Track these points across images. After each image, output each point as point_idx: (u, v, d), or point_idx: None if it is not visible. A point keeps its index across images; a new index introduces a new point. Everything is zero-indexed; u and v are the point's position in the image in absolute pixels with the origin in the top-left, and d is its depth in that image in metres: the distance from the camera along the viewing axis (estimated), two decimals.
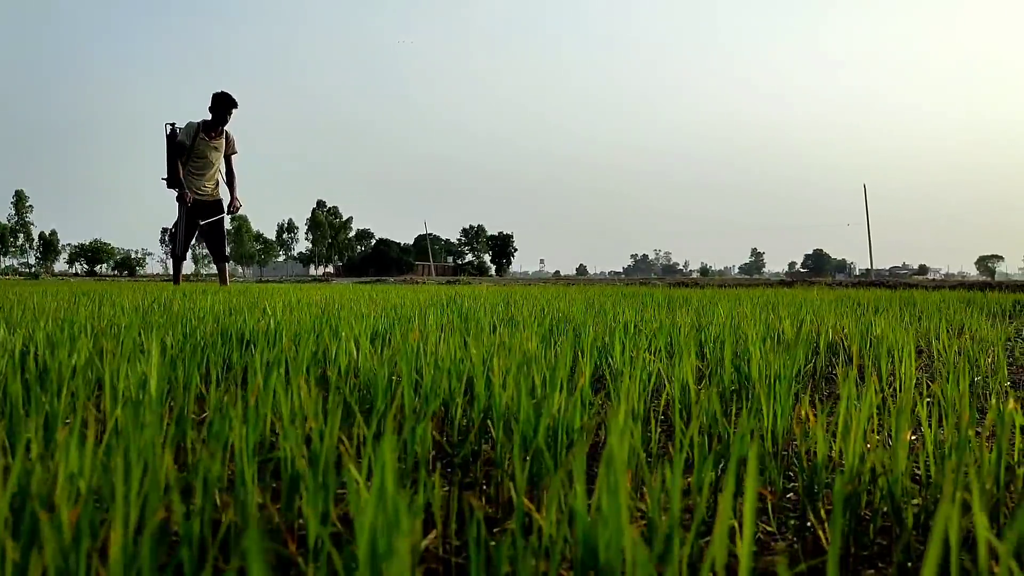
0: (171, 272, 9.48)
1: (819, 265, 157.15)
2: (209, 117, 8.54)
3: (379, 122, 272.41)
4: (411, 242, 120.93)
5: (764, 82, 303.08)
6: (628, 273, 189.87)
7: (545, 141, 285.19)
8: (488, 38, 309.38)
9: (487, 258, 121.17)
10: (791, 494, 1.03)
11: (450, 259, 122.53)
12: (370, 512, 0.53)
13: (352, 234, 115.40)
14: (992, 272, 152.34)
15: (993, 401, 1.06)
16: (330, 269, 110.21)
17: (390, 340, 2.02)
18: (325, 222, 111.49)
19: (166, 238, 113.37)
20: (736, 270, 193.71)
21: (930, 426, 0.91)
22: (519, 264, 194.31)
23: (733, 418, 1.37)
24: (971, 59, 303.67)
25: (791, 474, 1.11)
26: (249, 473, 0.79)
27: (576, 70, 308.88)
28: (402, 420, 1.21)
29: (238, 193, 8.92)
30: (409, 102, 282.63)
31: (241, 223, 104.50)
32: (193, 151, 8.45)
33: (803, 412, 0.87)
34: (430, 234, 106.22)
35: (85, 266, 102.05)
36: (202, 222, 8.63)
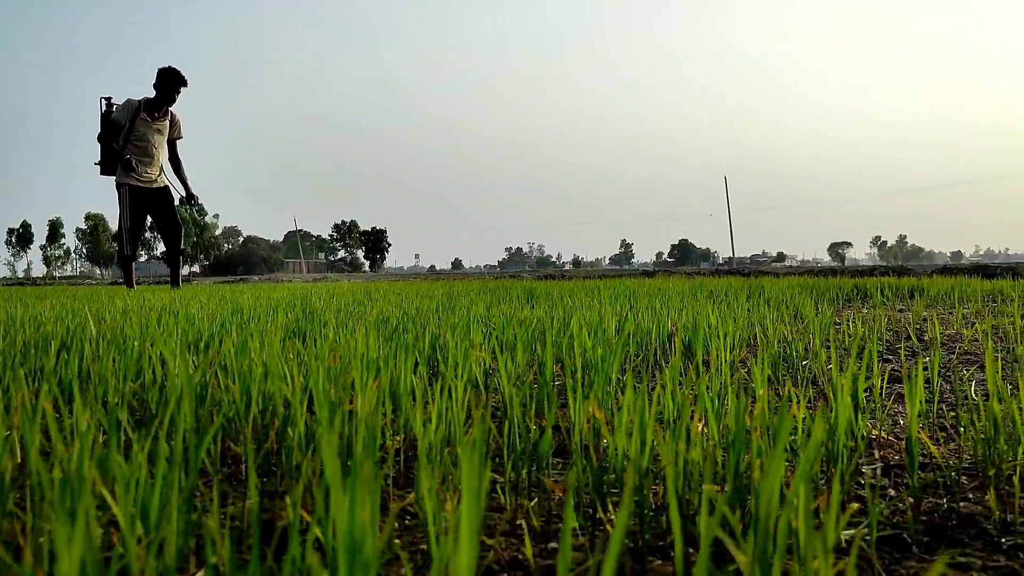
0: (118, 276, 8.54)
1: (685, 255, 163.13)
2: (152, 94, 7.53)
3: (246, 115, 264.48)
4: (281, 239, 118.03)
5: (629, 78, 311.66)
6: (503, 266, 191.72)
7: (420, 136, 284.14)
8: (355, 29, 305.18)
9: (360, 254, 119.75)
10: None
11: (322, 255, 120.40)
12: (77, 550, 0.48)
13: (219, 232, 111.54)
14: (842, 258, 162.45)
15: (781, 388, 1.10)
16: (196, 268, 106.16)
17: (209, 347, 1.94)
18: (189, 219, 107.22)
19: (13, 239, 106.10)
20: (607, 261, 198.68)
21: (717, 417, 0.93)
22: (394, 259, 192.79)
23: (530, 414, 1.38)
24: (821, 54, 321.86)
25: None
26: None
27: (445, 64, 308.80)
28: (194, 434, 1.15)
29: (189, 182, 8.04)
30: (276, 94, 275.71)
31: (98, 222, 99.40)
32: (132, 133, 7.46)
33: (591, 409, 0.88)
34: (300, 230, 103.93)
35: None
36: (151, 215, 7.66)
